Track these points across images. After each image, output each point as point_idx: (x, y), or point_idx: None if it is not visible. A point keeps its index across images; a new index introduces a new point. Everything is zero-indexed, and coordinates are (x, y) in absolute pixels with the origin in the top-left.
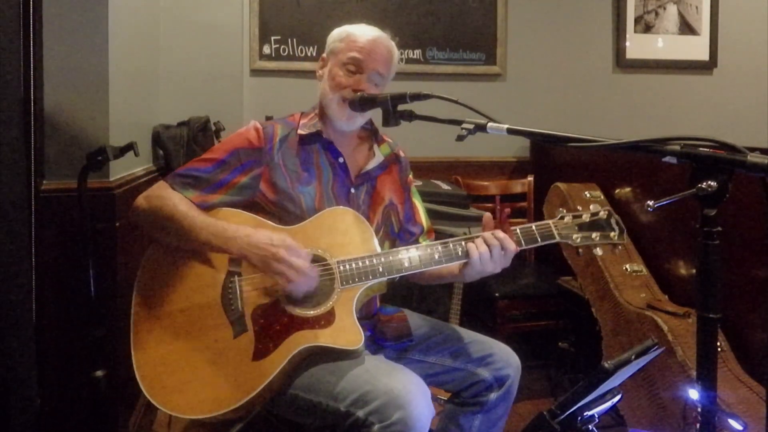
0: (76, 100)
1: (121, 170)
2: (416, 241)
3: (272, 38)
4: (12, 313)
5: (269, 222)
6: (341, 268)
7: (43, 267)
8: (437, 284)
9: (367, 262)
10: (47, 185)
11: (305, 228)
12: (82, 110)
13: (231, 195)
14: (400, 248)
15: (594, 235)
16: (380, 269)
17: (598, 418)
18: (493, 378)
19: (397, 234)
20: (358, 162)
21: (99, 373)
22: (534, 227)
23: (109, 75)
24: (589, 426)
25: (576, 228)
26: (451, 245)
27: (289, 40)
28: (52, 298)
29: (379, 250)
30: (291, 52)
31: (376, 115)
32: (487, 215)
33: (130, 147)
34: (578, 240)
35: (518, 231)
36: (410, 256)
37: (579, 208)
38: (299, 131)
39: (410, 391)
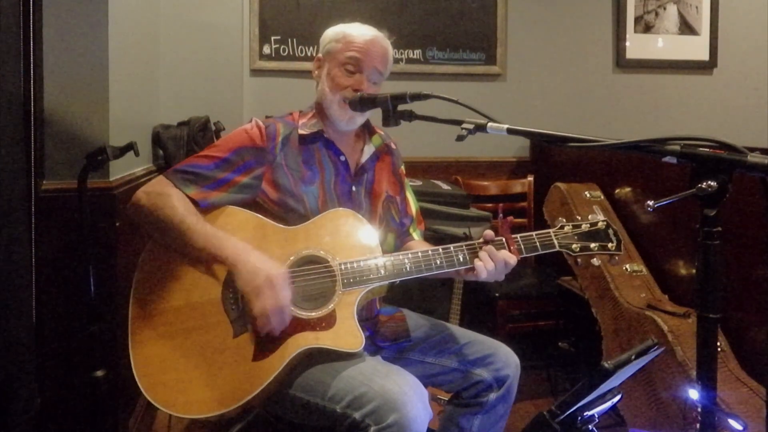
0: (76, 100)
1: (121, 170)
2: (407, 232)
3: (272, 38)
4: (12, 314)
5: (271, 221)
6: (343, 270)
7: (43, 267)
8: (437, 284)
9: (370, 265)
10: (47, 185)
11: (308, 228)
12: (82, 110)
13: (232, 193)
14: (401, 252)
15: (593, 245)
16: (382, 272)
17: (598, 418)
18: (492, 378)
19: (398, 224)
20: (355, 158)
21: (99, 373)
22: (535, 236)
23: (109, 75)
24: (589, 426)
25: (575, 237)
26: (453, 251)
27: (289, 40)
28: (52, 298)
29: (381, 252)
30: (291, 52)
31: (376, 113)
32: (488, 233)
33: (130, 147)
34: (577, 249)
35: (519, 240)
36: (412, 261)
37: (578, 217)
38: (300, 131)
39: (405, 393)
